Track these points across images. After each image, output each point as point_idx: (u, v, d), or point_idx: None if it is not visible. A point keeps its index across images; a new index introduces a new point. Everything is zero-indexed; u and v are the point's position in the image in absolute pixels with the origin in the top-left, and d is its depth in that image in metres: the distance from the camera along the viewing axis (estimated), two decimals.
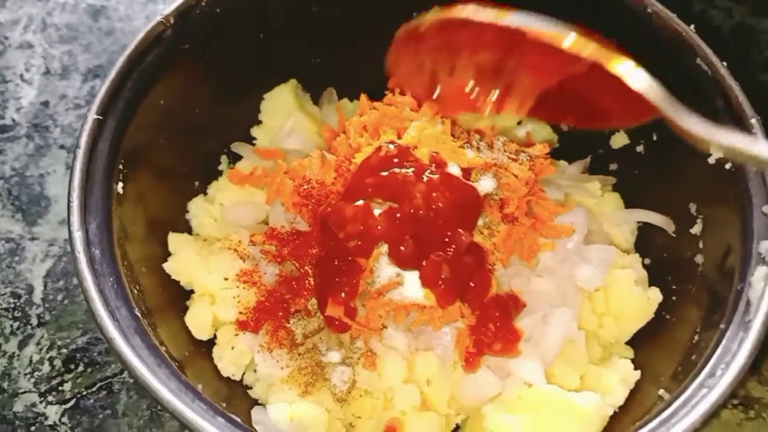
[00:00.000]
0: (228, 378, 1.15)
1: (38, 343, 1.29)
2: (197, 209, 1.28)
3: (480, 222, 1.13)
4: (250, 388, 1.17)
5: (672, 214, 1.21)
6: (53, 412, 1.23)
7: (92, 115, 1.05)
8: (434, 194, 1.07)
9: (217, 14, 1.19)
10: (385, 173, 1.11)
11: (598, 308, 1.18)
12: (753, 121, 1.04)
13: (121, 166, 1.07)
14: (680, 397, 0.94)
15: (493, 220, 1.13)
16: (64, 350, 1.28)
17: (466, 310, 1.09)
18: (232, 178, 1.29)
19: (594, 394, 1.05)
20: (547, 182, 1.24)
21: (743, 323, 0.96)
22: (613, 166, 1.33)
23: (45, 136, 1.50)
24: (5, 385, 1.25)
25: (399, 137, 1.18)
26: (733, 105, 1.06)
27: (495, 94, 1.07)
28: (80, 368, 1.27)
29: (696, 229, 1.14)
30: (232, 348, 1.14)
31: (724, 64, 1.09)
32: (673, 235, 1.20)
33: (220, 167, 1.35)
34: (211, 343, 1.17)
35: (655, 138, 1.23)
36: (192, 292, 1.20)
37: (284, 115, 1.36)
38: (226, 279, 1.16)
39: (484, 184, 1.14)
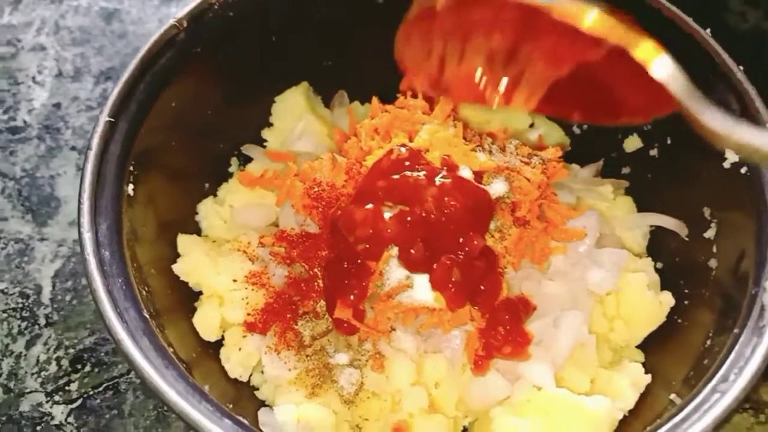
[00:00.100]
0: (235, 379, 1.15)
1: (46, 343, 1.29)
2: (207, 211, 1.28)
3: (491, 225, 1.12)
4: (258, 389, 1.16)
5: (685, 218, 1.20)
6: (59, 412, 1.23)
7: (104, 117, 1.05)
8: (446, 198, 1.07)
9: (229, 17, 1.19)
10: (396, 176, 1.10)
11: (609, 312, 1.17)
12: (743, 128, 1.03)
13: (131, 168, 1.07)
14: (692, 401, 0.93)
15: (505, 224, 1.12)
16: (72, 350, 1.28)
17: (476, 313, 1.08)
18: (242, 180, 1.29)
19: (604, 398, 1.04)
20: (559, 185, 1.23)
21: (757, 328, 0.95)
22: (625, 170, 1.32)
23: (56, 138, 1.51)
24: (12, 384, 1.25)
25: (410, 140, 1.18)
26: (749, 108, 1.05)
27: (504, 84, 1.04)
28: (87, 368, 1.27)
29: (710, 233, 1.13)
30: (240, 349, 1.13)
31: (741, 68, 1.08)
32: (686, 239, 1.19)
33: (231, 169, 1.35)
34: (219, 344, 1.17)
35: (669, 141, 1.22)
36: (200, 293, 1.19)
37: (295, 118, 1.36)
38: (234, 280, 1.16)
39: (496, 188, 1.13)
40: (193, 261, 1.18)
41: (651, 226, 1.27)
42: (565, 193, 1.23)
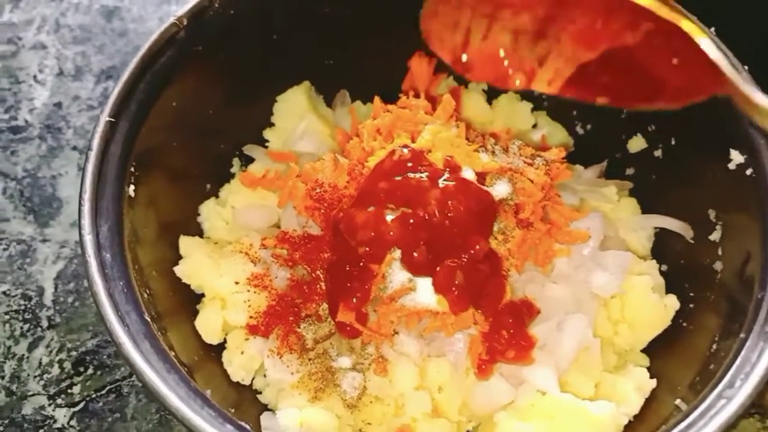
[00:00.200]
0: (237, 383, 1.14)
1: (48, 346, 1.29)
2: (209, 212, 1.27)
3: (494, 227, 1.11)
4: (260, 393, 1.16)
5: (690, 220, 1.19)
6: (62, 415, 1.23)
7: (104, 117, 1.04)
8: (449, 201, 1.06)
9: (230, 15, 1.18)
10: (398, 178, 1.09)
11: (613, 315, 1.16)
12: None
13: (132, 169, 1.07)
14: (698, 407, 0.92)
15: (508, 226, 1.11)
16: (74, 353, 1.28)
17: (479, 316, 1.07)
18: (244, 181, 1.28)
19: (609, 402, 1.03)
20: (563, 187, 1.22)
21: (764, 333, 0.94)
22: (630, 171, 1.31)
23: (57, 138, 1.50)
24: (14, 387, 1.25)
25: (413, 140, 1.17)
26: None
27: (528, 63, 1.01)
28: (90, 371, 1.27)
29: (715, 236, 1.12)
30: (242, 352, 1.13)
31: (746, 68, 1.06)
32: (692, 241, 1.18)
33: (232, 170, 1.34)
34: (221, 347, 1.16)
35: (673, 142, 1.21)
36: (202, 295, 1.19)
37: (297, 118, 1.35)
38: (236, 283, 1.15)
39: (499, 189, 1.12)
40: (195, 263, 1.17)
41: (655, 228, 1.26)
42: (569, 194, 1.22)
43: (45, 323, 1.31)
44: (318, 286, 1.13)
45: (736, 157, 1.06)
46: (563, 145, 1.26)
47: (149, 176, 1.10)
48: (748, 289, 1.00)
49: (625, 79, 0.96)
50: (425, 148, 1.14)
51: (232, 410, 1.00)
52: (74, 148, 1.49)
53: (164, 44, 1.12)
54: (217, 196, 1.30)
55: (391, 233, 1.05)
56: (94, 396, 1.25)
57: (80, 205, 0.99)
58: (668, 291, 1.19)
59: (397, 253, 1.06)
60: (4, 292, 1.34)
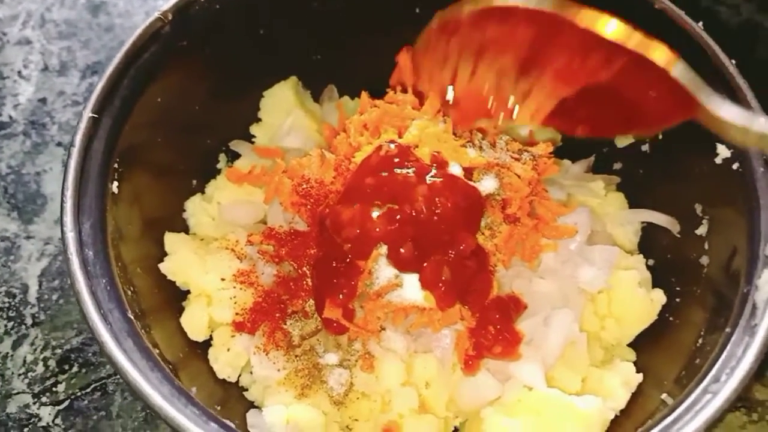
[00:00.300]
0: (224, 380, 1.14)
1: (32, 343, 1.28)
2: (195, 208, 1.26)
3: (481, 223, 1.11)
4: (246, 390, 1.15)
5: (677, 215, 1.19)
6: (47, 414, 1.22)
7: (87, 114, 1.04)
8: (436, 197, 1.05)
9: (216, 10, 1.17)
10: (385, 174, 1.09)
11: (600, 310, 1.16)
12: (762, 120, 1.02)
13: (116, 165, 1.06)
14: (684, 402, 0.92)
15: (495, 221, 1.11)
16: (59, 350, 1.27)
17: (466, 312, 1.07)
18: (230, 177, 1.27)
19: (595, 397, 1.03)
20: (550, 182, 1.22)
21: (749, 327, 0.94)
22: (617, 165, 1.31)
23: (42, 134, 1.49)
24: None
25: (400, 136, 1.16)
26: (742, 103, 1.04)
27: (511, 101, 1.06)
28: (74, 369, 1.26)
29: (701, 230, 1.12)
30: (228, 349, 1.12)
31: (733, 62, 1.06)
32: (678, 235, 1.18)
33: (219, 165, 1.33)
34: (207, 344, 1.16)
35: (660, 137, 1.21)
36: (188, 292, 1.18)
37: (284, 113, 1.34)
38: (222, 279, 1.15)
39: (486, 185, 1.12)
40: (181, 259, 1.16)
41: (642, 222, 1.26)
42: (556, 189, 1.22)
43: (29, 321, 1.30)
44: (304, 282, 1.12)
45: (723, 152, 1.06)
46: (551, 140, 1.26)
47: (134, 172, 1.10)
48: (734, 283, 1.00)
49: (602, 111, 1.00)
50: (412, 144, 1.14)
51: (218, 408, 1.00)
52: (59, 144, 1.48)
53: (148, 39, 1.11)
54: (203, 192, 1.29)
55: (377, 230, 1.04)
56: (79, 394, 1.24)
57: (62, 202, 0.99)
58: (655, 285, 1.19)
59: (384, 249, 1.05)
60: None
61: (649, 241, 1.25)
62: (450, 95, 1.13)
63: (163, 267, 1.15)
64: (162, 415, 0.87)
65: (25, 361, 1.26)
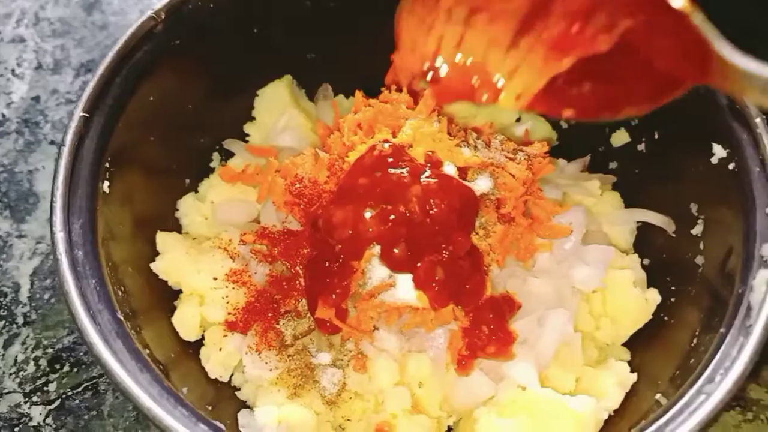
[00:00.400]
0: (215, 380, 1.13)
1: (24, 343, 1.27)
2: (187, 207, 1.26)
3: (476, 222, 1.10)
4: (239, 389, 1.15)
5: (672, 214, 1.19)
6: (38, 413, 1.22)
7: (78, 113, 1.03)
8: (430, 198, 1.04)
9: (209, 9, 1.16)
10: (378, 173, 1.08)
11: (595, 310, 1.16)
12: (758, 120, 1.01)
13: (108, 165, 1.06)
14: (678, 403, 0.92)
15: (489, 221, 1.10)
16: (50, 350, 1.27)
17: (459, 312, 1.07)
18: (223, 176, 1.27)
19: (589, 397, 1.03)
20: (546, 181, 1.21)
21: (744, 328, 0.93)
22: (613, 165, 1.31)
23: (35, 132, 1.48)
24: None
25: (394, 135, 1.15)
26: (737, 103, 1.03)
27: (499, 80, 1.01)
28: (66, 368, 1.25)
29: (697, 230, 1.12)
30: (220, 349, 1.12)
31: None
32: (673, 235, 1.18)
33: (212, 164, 1.33)
34: (199, 344, 1.15)
35: (656, 136, 1.21)
36: (180, 292, 1.17)
37: (278, 112, 1.33)
38: (215, 279, 1.14)
39: (481, 184, 1.11)
40: (173, 259, 1.16)
41: (638, 222, 1.25)
42: (552, 188, 1.22)
43: (21, 320, 1.29)
44: (297, 282, 1.12)
45: (719, 152, 1.05)
46: (547, 140, 1.25)
47: (125, 172, 1.09)
48: (729, 283, 1.00)
49: (594, 88, 0.95)
50: (406, 143, 1.13)
51: (210, 408, 1.00)
52: (52, 142, 1.47)
53: (141, 38, 1.10)
54: (196, 191, 1.29)
55: (370, 230, 1.04)
56: (70, 393, 1.23)
57: (52, 202, 0.99)
58: (650, 285, 1.19)
59: (377, 249, 1.05)
60: None
61: (645, 241, 1.25)
62: (433, 65, 1.06)
63: (155, 266, 1.15)
64: (151, 416, 0.87)
65: (16, 360, 1.26)
